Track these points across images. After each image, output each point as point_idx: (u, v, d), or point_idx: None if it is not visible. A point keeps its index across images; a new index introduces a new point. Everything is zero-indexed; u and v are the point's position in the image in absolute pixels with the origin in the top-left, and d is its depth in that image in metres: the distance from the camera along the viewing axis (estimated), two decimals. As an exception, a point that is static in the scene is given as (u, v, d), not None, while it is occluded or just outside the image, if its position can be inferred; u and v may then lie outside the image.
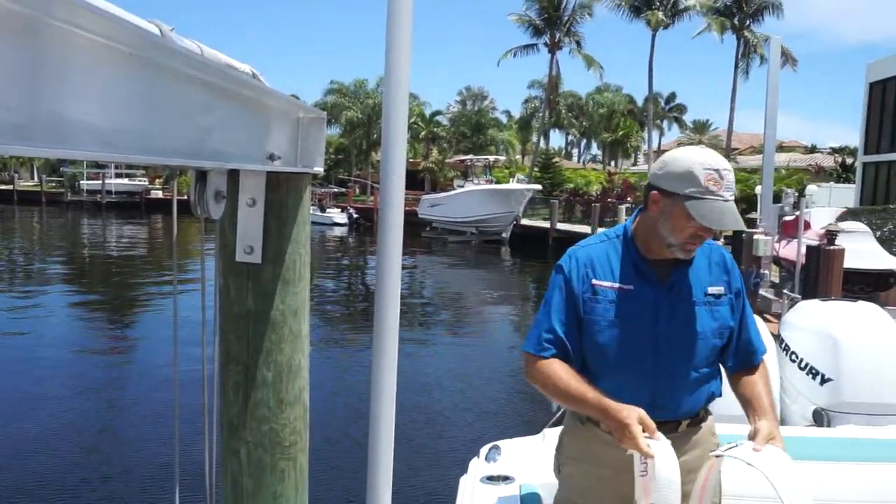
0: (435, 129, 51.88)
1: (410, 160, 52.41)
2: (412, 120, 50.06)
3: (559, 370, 1.79)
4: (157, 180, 51.14)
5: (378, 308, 1.45)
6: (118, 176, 49.39)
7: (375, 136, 46.13)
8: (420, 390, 8.96)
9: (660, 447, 1.61)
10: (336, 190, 46.50)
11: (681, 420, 1.85)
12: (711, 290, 1.85)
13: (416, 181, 49.32)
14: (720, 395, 1.92)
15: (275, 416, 1.56)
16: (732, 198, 1.73)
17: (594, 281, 1.81)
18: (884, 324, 3.46)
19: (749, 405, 1.83)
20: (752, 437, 1.70)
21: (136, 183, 50.34)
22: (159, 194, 48.74)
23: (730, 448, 1.67)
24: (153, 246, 27.92)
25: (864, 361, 3.32)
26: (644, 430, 1.62)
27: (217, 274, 1.60)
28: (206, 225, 1.53)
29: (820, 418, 3.37)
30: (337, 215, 41.07)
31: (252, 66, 1.58)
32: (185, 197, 1.40)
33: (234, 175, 1.55)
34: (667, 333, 1.80)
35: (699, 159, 1.72)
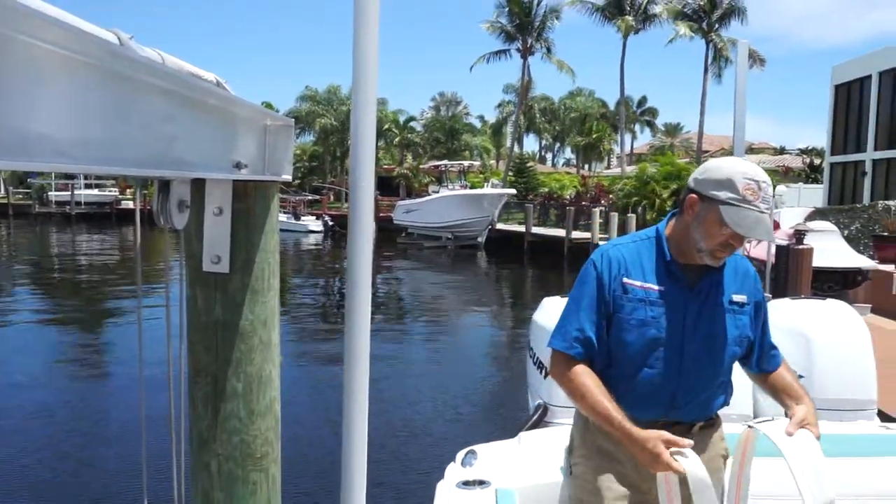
0: (409, 136, 51.91)
1: (385, 167, 52.35)
2: (386, 126, 50.04)
3: (589, 382, 1.79)
4: (128, 190, 50.47)
5: (349, 315, 1.44)
6: (88, 186, 48.66)
7: (349, 142, 46.02)
8: (397, 397, 8.94)
9: (688, 461, 1.68)
10: (311, 197, 46.27)
11: (695, 422, 1.89)
12: (736, 298, 1.89)
13: (390, 187, 49.23)
14: (728, 405, 1.97)
15: (245, 428, 1.54)
16: (769, 211, 1.76)
17: (625, 280, 1.84)
18: (852, 322, 3.52)
19: (783, 392, 1.90)
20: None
21: (107, 193, 49.64)
22: (130, 205, 48.10)
23: (764, 422, 1.73)
24: (124, 258, 27.52)
25: (833, 359, 3.37)
26: (669, 446, 1.68)
27: (184, 284, 1.58)
28: (174, 236, 1.51)
29: (791, 415, 3.41)
30: (312, 223, 40.89)
31: (223, 74, 1.56)
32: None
33: (199, 184, 1.53)
34: (692, 336, 1.83)
35: (741, 168, 1.77)
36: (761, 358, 1.97)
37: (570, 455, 1.96)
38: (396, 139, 51.07)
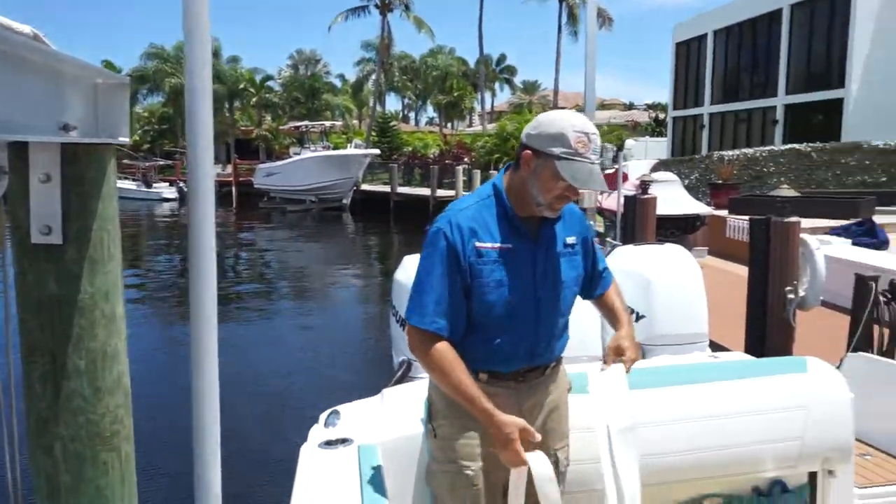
0: (267, 95, 49.95)
1: (243, 128, 50.22)
2: (241, 86, 47.86)
3: (451, 359, 1.80)
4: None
5: (193, 282, 1.39)
6: None
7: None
8: (263, 367, 8.79)
9: (533, 457, 1.80)
10: (162, 163, 43.66)
11: (548, 365, 1.99)
12: (569, 240, 1.97)
13: (249, 150, 47.42)
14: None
15: (91, 406, 1.47)
16: (598, 161, 1.83)
17: (477, 244, 1.83)
18: (686, 263, 3.85)
19: (610, 316, 2.10)
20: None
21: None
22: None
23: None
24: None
25: (670, 298, 3.69)
26: (523, 434, 1.78)
27: (9, 259, 1.46)
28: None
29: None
30: (165, 190, 38.71)
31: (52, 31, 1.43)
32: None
33: (21, 148, 1.41)
34: (543, 288, 1.89)
35: (571, 121, 1.80)
36: (593, 285, 2.11)
37: (432, 419, 1.96)
38: (253, 99, 49.00)
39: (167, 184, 39.80)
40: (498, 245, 1.85)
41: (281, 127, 46.93)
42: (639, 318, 3.62)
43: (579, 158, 1.78)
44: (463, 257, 1.82)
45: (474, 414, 1.81)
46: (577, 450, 2.04)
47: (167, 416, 6.39)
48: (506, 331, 1.87)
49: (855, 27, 22.50)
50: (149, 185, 39.53)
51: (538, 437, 1.80)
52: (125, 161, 43.92)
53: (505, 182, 1.92)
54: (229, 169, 40.12)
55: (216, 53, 47.72)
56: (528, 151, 1.84)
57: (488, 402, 1.79)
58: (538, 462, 1.80)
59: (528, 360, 1.93)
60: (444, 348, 1.82)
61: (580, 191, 1.90)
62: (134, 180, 41.36)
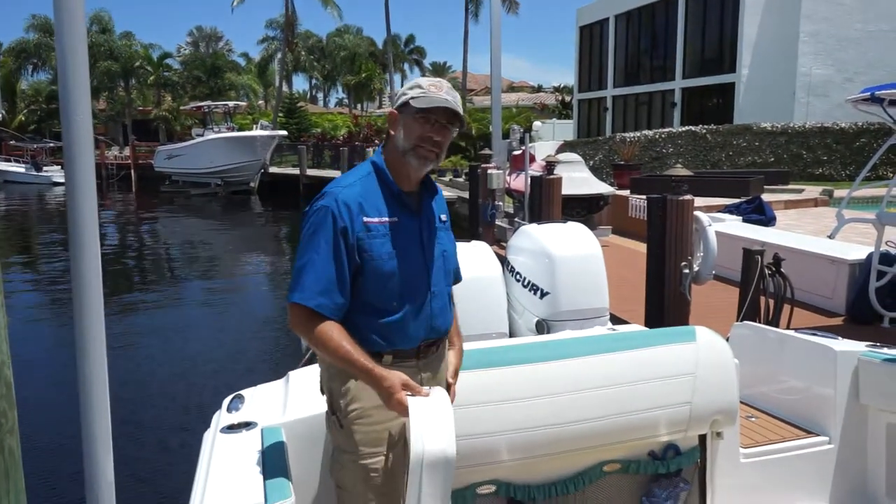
0: (166, 74, 47.73)
1: (140, 108, 47.90)
2: (137, 63, 45.57)
3: (329, 329, 1.79)
4: None
5: (75, 270, 1.32)
6: None
7: (95, 81, 41.04)
8: (166, 353, 8.51)
9: (434, 392, 1.75)
10: (52, 144, 41.10)
11: (445, 335, 2.02)
12: (443, 217, 2.04)
13: (148, 131, 45.35)
14: None
15: (-34, 400, 1.37)
16: (455, 101, 1.90)
17: (366, 219, 1.84)
18: (587, 240, 3.99)
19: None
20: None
21: None
22: None
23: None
24: None
25: (572, 274, 3.80)
26: (408, 390, 1.74)
27: None
28: None
29: (541, 328, 3.84)
30: (56, 174, 36.56)
31: None
32: None
33: None
34: (431, 258, 1.94)
35: (426, 77, 1.95)
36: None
37: (336, 410, 1.89)
38: (151, 78, 46.71)
39: (59, 167, 37.59)
40: (385, 219, 1.87)
41: (182, 107, 44.95)
42: (543, 294, 3.73)
43: (433, 93, 1.89)
44: (351, 234, 1.82)
45: (358, 375, 1.80)
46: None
47: (58, 406, 6.07)
48: (403, 303, 1.88)
49: (744, 15, 23.67)
50: (38, 169, 37.28)
51: (425, 391, 1.79)
52: (12, 143, 41.18)
53: (384, 158, 1.98)
54: (127, 151, 38.16)
55: (106, 29, 45.16)
56: (394, 112, 1.95)
57: (368, 360, 1.78)
58: (436, 395, 1.76)
59: (427, 333, 1.94)
60: (324, 326, 1.80)
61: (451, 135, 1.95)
62: (22, 163, 38.89)
